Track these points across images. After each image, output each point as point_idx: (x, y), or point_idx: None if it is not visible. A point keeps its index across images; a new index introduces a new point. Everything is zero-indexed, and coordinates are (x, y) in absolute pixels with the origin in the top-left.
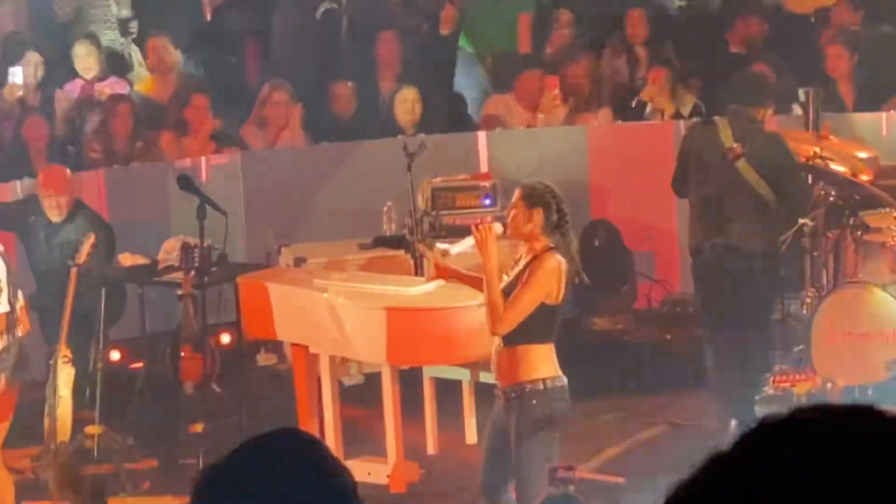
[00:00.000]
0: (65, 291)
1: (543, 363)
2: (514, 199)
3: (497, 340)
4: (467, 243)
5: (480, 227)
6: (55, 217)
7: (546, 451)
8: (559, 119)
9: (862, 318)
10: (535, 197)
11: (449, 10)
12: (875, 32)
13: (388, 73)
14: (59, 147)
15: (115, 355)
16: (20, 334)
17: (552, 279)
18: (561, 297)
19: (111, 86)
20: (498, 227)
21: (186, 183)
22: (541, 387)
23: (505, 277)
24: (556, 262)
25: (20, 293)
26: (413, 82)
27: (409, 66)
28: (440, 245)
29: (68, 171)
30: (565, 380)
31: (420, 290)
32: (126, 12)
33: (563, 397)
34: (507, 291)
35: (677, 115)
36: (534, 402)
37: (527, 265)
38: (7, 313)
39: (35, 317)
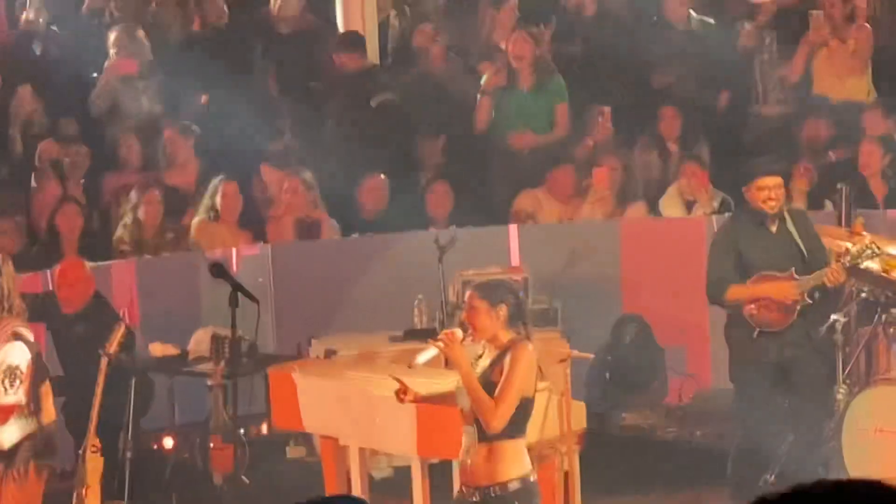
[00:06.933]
0: (88, 382)
1: (520, 459)
2: (471, 303)
3: (468, 439)
4: (430, 353)
5: (442, 335)
6: (68, 309)
7: None
8: (607, 211)
9: (895, 415)
10: (496, 295)
11: (484, 103)
12: None
13: (426, 167)
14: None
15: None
16: (45, 422)
17: (532, 369)
18: (535, 389)
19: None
20: (458, 333)
21: (219, 271)
22: (521, 484)
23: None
24: (532, 352)
25: (47, 382)
26: (447, 175)
27: (445, 160)
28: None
29: (86, 264)
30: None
31: (452, 383)
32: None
33: (538, 493)
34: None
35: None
36: (516, 501)
37: (498, 358)
38: (25, 403)
39: (60, 405)
